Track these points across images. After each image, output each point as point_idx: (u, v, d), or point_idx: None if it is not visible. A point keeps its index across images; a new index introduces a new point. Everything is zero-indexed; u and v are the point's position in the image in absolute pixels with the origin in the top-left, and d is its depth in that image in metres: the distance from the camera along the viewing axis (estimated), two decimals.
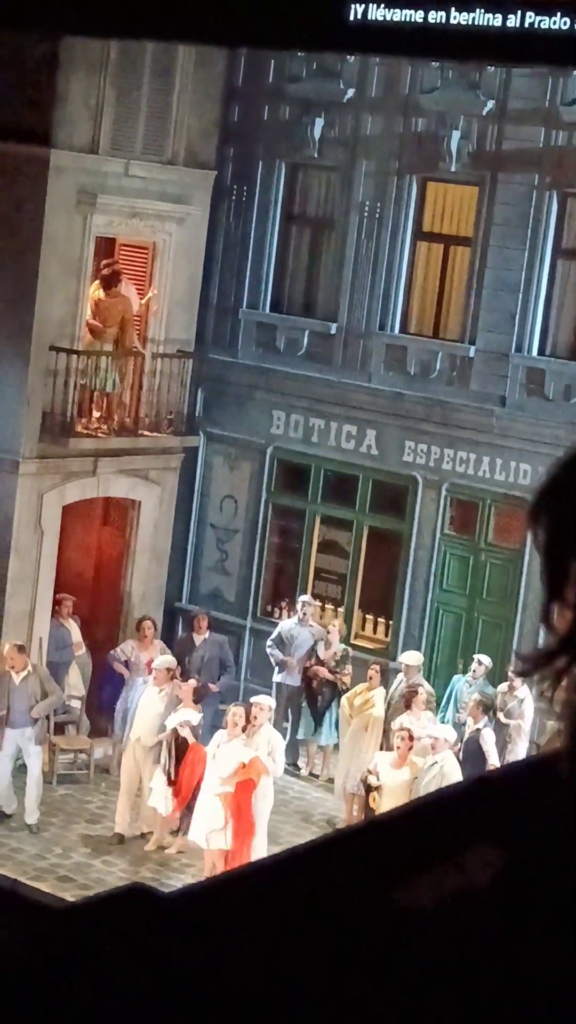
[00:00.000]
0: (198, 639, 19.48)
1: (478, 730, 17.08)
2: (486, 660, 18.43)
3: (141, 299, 20.94)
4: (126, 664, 19.03)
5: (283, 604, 21.67)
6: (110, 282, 20.30)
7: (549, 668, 1.24)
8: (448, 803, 1.32)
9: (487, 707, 17.52)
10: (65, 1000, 1.07)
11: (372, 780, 16.38)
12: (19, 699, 17.31)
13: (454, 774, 15.78)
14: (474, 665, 18.57)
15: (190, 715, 16.96)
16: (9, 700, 17.30)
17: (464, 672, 18.95)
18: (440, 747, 16.30)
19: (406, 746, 16.32)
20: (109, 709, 19.09)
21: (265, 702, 16.91)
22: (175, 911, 1.19)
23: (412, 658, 18.70)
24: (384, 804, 15.88)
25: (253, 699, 17.10)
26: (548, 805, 1.23)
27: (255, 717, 16.41)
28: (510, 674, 18.01)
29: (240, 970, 1.15)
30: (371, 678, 18.35)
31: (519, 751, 17.51)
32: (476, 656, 18.75)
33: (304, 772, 19.52)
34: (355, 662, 19.41)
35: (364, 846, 1.27)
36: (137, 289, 20.99)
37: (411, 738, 16.43)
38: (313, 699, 19.44)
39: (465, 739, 17.01)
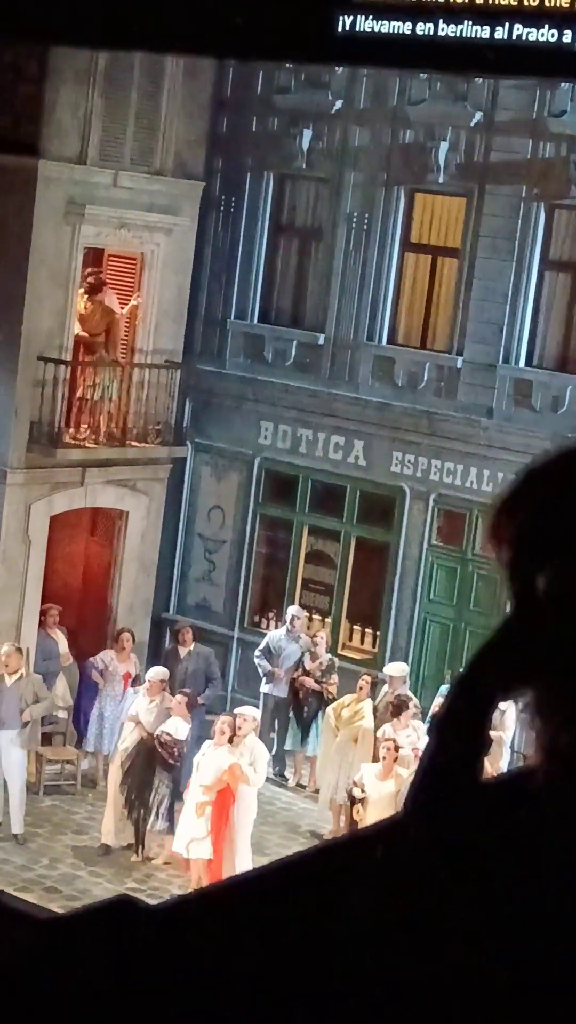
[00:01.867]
0: (183, 651, 19.47)
1: None
2: None
3: (123, 308, 20.94)
4: (102, 674, 19.03)
5: (271, 614, 21.67)
6: (94, 290, 20.33)
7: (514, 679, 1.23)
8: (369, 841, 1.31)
9: None
10: (52, 1012, 1.07)
11: (356, 792, 16.34)
12: (8, 701, 17.29)
13: None
14: None
15: (178, 725, 16.94)
16: None
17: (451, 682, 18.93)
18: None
19: (391, 757, 16.29)
20: (84, 718, 19.10)
21: (250, 713, 16.89)
22: (161, 923, 1.19)
23: (397, 669, 18.69)
24: (369, 816, 15.85)
25: (238, 710, 17.08)
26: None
27: (239, 728, 16.40)
28: None
29: (227, 982, 1.15)
30: (361, 689, 18.33)
31: (501, 763, 17.50)
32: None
33: (291, 783, 19.51)
34: (342, 673, 19.40)
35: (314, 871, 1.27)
36: (120, 301, 20.99)
37: (396, 749, 16.40)
38: (300, 709, 19.43)
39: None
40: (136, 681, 18.64)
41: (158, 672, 17.90)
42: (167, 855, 16.74)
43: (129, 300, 21.10)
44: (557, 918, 1.15)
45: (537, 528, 1.21)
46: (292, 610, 20.28)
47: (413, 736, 17.13)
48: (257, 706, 18.71)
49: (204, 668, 19.35)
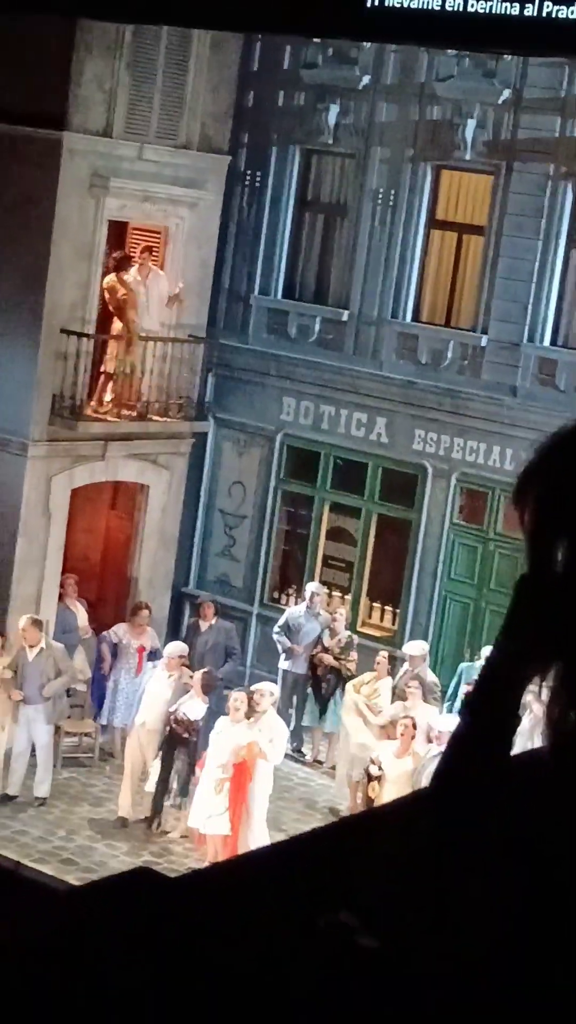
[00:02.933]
0: (204, 625, 19.47)
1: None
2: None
3: (167, 284, 20.85)
4: (115, 647, 18.88)
5: (290, 591, 21.68)
6: (120, 266, 20.32)
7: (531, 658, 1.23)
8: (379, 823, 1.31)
9: None
10: (73, 980, 1.07)
11: (373, 770, 16.37)
12: (31, 675, 17.35)
13: None
14: (483, 656, 18.56)
15: (195, 706, 16.96)
16: (21, 676, 17.35)
17: (472, 660, 18.94)
18: (442, 739, 16.25)
19: (409, 735, 16.31)
20: (99, 692, 19.11)
21: (267, 688, 16.91)
22: (179, 895, 1.19)
23: (416, 648, 18.69)
24: (385, 794, 15.87)
25: (255, 686, 17.10)
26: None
27: (257, 703, 16.41)
28: None
29: (243, 952, 1.15)
30: (378, 666, 18.34)
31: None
32: (487, 648, 18.75)
33: (309, 759, 19.53)
34: (361, 650, 19.40)
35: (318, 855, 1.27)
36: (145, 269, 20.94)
37: (414, 727, 16.41)
38: (318, 686, 19.45)
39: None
40: (154, 655, 18.64)
41: (176, 647, 17.92)
42: (183, 829, 16.79)
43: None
44: (562, 891, 1.15)
45: (560, 496, 1.20)
46: (311, 587, 20.28)
47: (432, 714, 17.15)
48: (276, 682, 18.74)
49: (224, 642, 19.36)
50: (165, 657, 17.72)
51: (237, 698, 16.46)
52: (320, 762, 19.49)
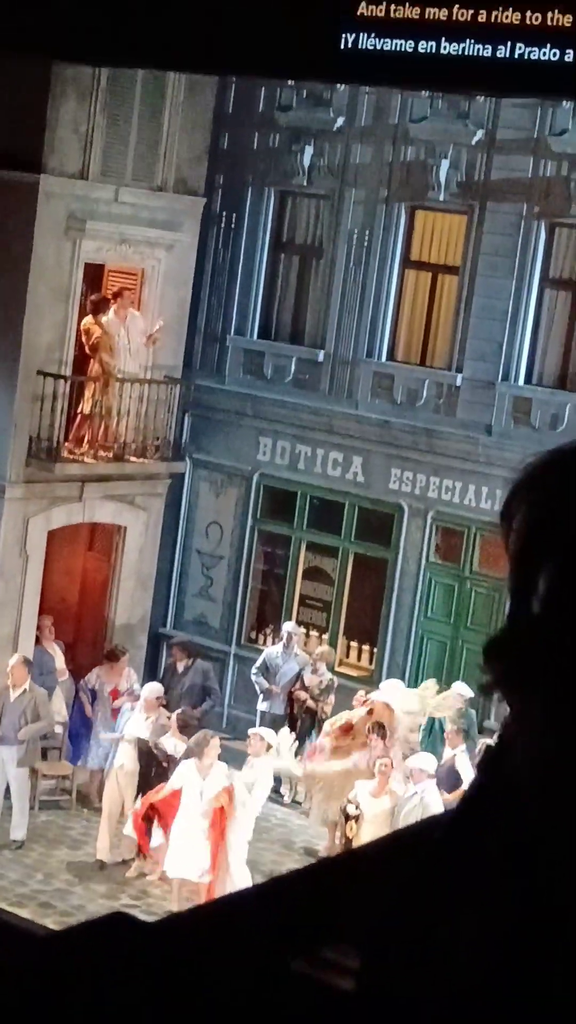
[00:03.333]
0: (180, 667, 19.47)
1: (454, 756, 17.01)
2: (466, 690, 18.39)
3: (145, 324, 20.89)
4: (93, 692, 18.96)
5: (268, 631, 21.66)
6: (97, 308, 20.34)
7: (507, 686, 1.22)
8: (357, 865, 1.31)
9: (467, 734, 17.48)
10: None
11: (351, 809, 16.31)
12: (10, 716, 17.30)
13: (435, 805, 15.71)
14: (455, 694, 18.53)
15: (174, 743, 16.91)
16: (1, 715, 17.31)
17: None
18: (418, 777, 16.21)
19: (385, 774, 16.27)
20: (75, 735, 19.07)
21: (264, 734, 16.87)
22: (156, 940, 1.19)
23: (391, 687, 18.72)
24: (364, 833, 15.82)
25: (253, 730, 17.12)
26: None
27: (249, 747, 16.45)
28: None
29: (221, 998, 1.15)
30: (355, 707, 18.32)
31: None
32: (455, 685, 18.74)
33: (287, 799, 19.47)
34: (339, 690, 19.37)
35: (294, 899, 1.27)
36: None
37: (391, 767, 16.38)
38: (293, 725, 19.40)
39: (441, 763, 16.93)
40: (130, 695, 18.61)
41: (153, 689, 17.87)
42: (161, 872, 16.70)
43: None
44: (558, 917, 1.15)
45: (547, 517, 1.20)
46: (288, 627, 20.27)
47: (406, 753, 17.10)
48: (254, 723, 18.69)
49: (202, 682, 19.33)
50: (142, 699, 17.68)
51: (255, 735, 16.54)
52: (298, 803, 19.42)
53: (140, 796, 16.75)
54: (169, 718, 17.29)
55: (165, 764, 16.73)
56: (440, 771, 16.69)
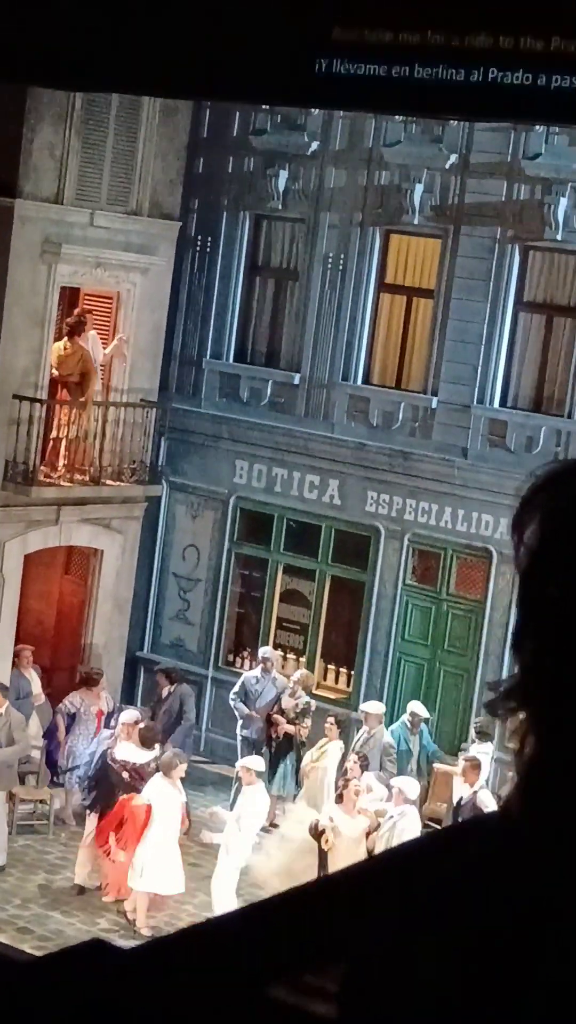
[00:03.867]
0: (164, 692, 19.50)
1: (475, 793, 16.49)
2: (420, 709, 18.48)
3: (105, 348, 20.95)
4: (73, 716, 18.96)
5: (245, 654, 21.63)
6: (74, 331, 20.33)
7: (513, 701, 1.22)
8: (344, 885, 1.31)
9: (480, 767, 17.12)
10: None
11: (324, 820, 16.09)
12: None
13: (410, 830, 15.59)
14: (407, 716, 18.52)
15: (131, 750, 16.91)
16: None
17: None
18: (398, 800, 16.13)
19: (352, 793, 16.16)
20: (53, 758, 19.03)
21: (252, 763, 16.82)
22: (135, 966, 1.19)
23: (373, 707, 18.68)
24: (339, 847, 15.72)
25: (242, 761, 17.10)
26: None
27: (242, 778, 16.49)
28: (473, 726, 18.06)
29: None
30: (328, 730, 18.31)
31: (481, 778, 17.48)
32: (410, 704, 18.79)
33: (265, 823, 19.38)
34: (316, 712, 19.34)
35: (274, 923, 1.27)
36: (101, 339, 21.01)
37: (355, 793, 16.24)
38: (270, 746, 19.36)
39: (462, 804, 16.58)
40: (109, 718, 18.58)
41: (131, 715, 17.82)
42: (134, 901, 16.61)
43: (109, 338, 21.10)
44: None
45: (557, 530, 1.19)
46: (264, 651, 20.25)
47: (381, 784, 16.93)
48: (232, 746, 18.66)
49: (178, 708, 19.31)
50: (120, 724, 17.62)
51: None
52: (276, 825, 19.35)
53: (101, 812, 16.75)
54: (132, 731, 17.24)
55: (128, 778, 16.71)
56: (462, 812, 16.36)
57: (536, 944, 1.14)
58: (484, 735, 17.82)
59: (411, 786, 16.42)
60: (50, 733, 19.14)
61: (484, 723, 17.90)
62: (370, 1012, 1.17)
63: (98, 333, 20.99)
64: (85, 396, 20.42)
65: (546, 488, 1.23)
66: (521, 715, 1.21)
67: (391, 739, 18.26)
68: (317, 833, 16.15)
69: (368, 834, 15.99)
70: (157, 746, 17.19)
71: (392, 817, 15.93)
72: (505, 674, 1.28)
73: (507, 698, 1.22)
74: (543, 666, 1.19)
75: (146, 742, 17.05)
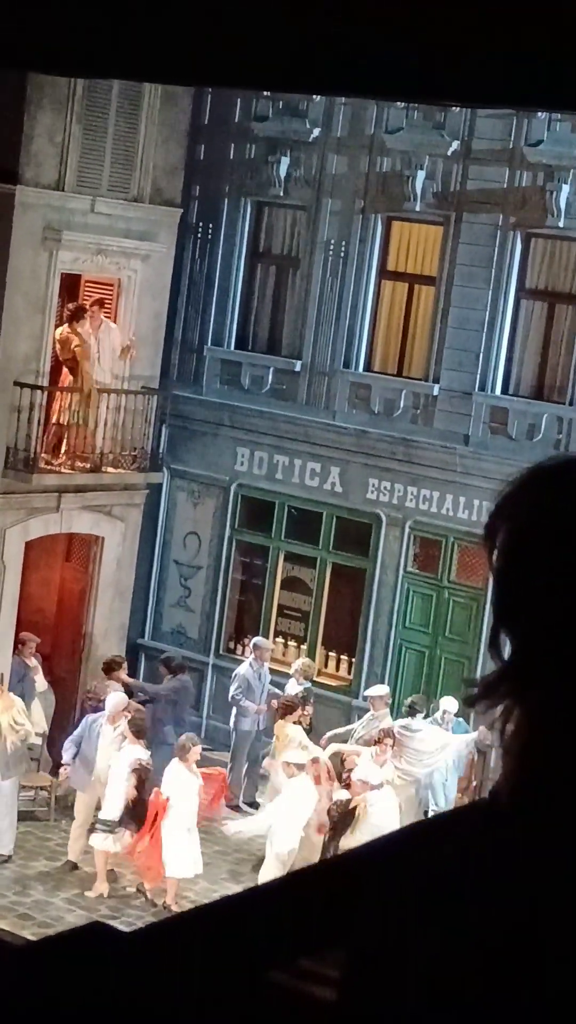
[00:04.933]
0: (164, 681, 19.53)
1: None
2: (452, 706, 18.24)
3: (119, 336, 20.86)
4: (97, 705, 18.96)
5: (246, 641, 21.63)
6: (73, 317, 20.32)
7: (492, 698, 1.23)
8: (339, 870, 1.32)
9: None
10: None
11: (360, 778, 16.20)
12: None
13: (379, 815, 15.69)
14: (439, 714, 18.32)
15: (139, 752, 16.93)
16: None
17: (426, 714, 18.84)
18: (360, 788, 16.20)
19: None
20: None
21: (292, 758, 16.78)
22: (134, 950, 1.19)
23: (378, 690, 18.71)
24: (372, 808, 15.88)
25: (283, 760, 17.10)
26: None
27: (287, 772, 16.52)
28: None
29: (198, 1009, 1.15)
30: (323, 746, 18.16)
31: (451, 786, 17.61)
32: (445, 698, 18.62)
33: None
34: (318, 699, 19.34)
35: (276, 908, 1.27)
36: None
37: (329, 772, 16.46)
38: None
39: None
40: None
41: (117, 699, 17.76)
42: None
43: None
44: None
45: (530, 536, 1.20)
46: (256, 641, 20.22)
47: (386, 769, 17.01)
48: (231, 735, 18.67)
49: (181, 698, 19.38)
50: (108, 711, 17.58)
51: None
52: None
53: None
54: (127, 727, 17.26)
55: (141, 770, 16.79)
56: None
57: (529, 929, 1.15)
58: (414, 711, 17.86)
59: (373, 773, 16.45)
60: (82, 722, 19.04)
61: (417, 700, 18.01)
62: (369, 997, 1.17)
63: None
64: (77, 382, 20.38)
65: (516, 495, 1.24)
66: (501, 708, 1.22)
67: (392, 722, 18.27)
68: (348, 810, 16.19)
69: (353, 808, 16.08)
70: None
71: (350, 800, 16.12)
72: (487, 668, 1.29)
73: (487, 693, 1.23)
74: (523, 663, 1.20)
75: (138, 734, 17.07)
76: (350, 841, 15.46)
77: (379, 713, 18.31)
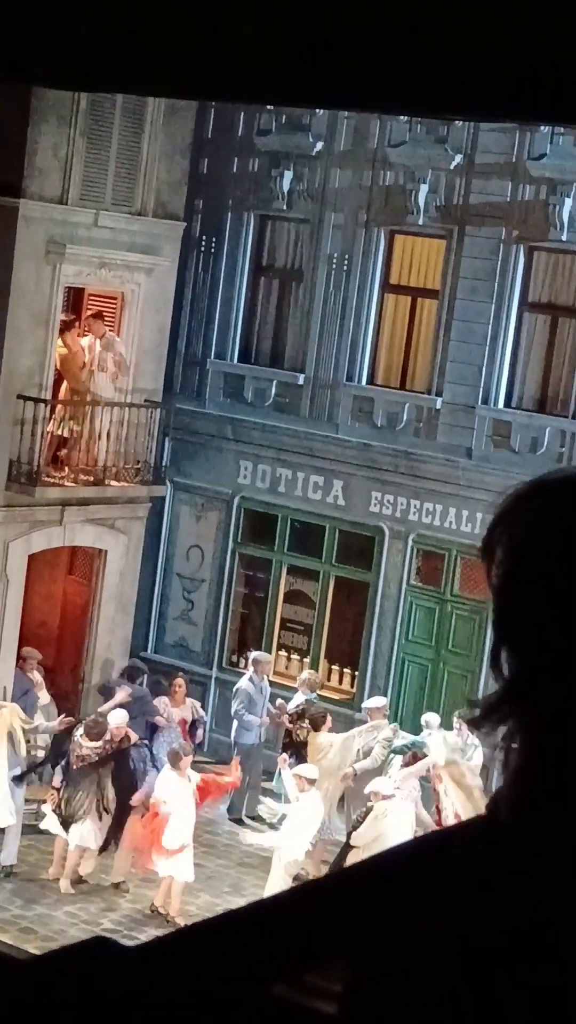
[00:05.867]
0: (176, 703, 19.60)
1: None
2: (434, 719, 18.35)
3: (122, 348, 20.92)
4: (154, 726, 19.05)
5: (249, 654, 21.62)
6: (63, 330, 20.44)
7: (495, 719, 1.23)
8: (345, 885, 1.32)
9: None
10: None
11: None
12: None
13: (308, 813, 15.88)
14: (456, 723, 18.30)
15: (119, 716, 17.04)
16: None
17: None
18: (299, 784, 16.50)
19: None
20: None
21: (304, 772, 16.87)
22: (137, 964, 1.19)
23: (376, 702, 18.74)
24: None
25: (296, 772, 17.13)
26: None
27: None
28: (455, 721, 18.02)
29: (197, 1022, 1.15)
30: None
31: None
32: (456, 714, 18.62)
33: (273, 821, 19.38)
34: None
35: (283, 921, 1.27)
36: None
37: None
38: (286, 749, 19.36)
39: None
40: (194, 727, 18.80)
41: (119, 716, 17.77)
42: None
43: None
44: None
45: (528, 551, 1.20)
46: (256, 655, 20.20)
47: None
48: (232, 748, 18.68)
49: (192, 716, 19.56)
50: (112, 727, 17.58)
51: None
52: (273, 825, 19.30)
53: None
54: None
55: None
56: None
57: (531, 942, 1.15)
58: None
59: (311, 771, 16.59)
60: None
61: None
62: (372, 1010, 1.17)
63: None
64: (75, 394, 20.48)
65: (514, 509, 1.24)
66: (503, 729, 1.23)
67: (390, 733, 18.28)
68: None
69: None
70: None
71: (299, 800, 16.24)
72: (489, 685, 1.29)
73: (489, 714, 1.23)
74: (523, 682, 1.20)
75: (92, 734, 17.23)
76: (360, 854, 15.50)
77: (378, 724, 18.31)
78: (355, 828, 16.26)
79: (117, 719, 17.32)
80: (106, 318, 21.13)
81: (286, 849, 16.14)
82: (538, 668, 1.19)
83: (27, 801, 18.60)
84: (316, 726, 18.28)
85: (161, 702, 19.24)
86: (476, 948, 1.15)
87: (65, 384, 20.69)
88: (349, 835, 16.38)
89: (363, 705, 19.19)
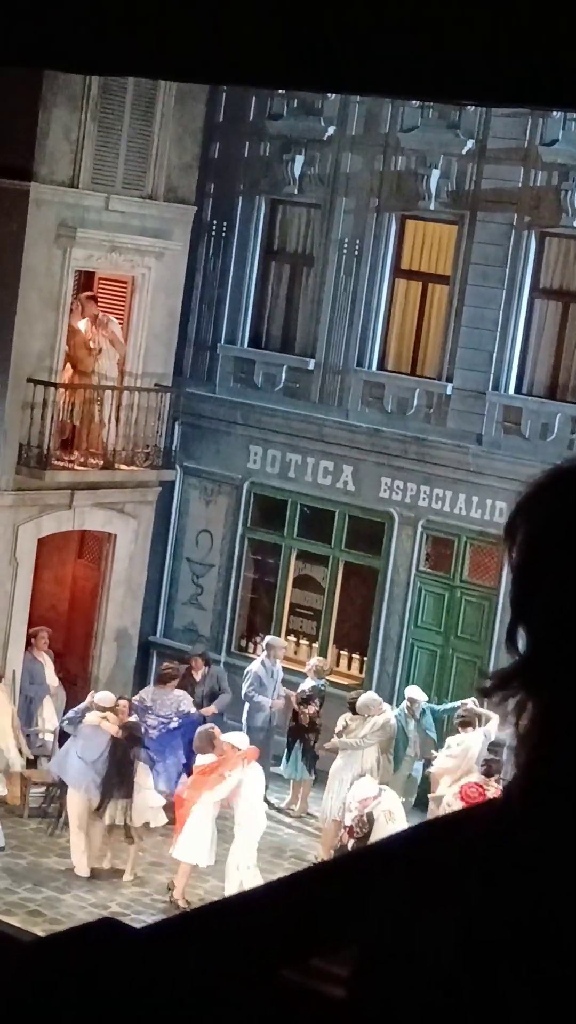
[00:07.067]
0: (197, 676, 19.57)
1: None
2: (420, 695, 18.48)
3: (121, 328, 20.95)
4: (146, 711, 19.08)
5: (258, 639, 21.63)
6: (83, 312, 20.47)
7: (507, 690, 1.23)
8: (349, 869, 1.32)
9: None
10: None
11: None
12: None
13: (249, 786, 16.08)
14: (406, 702, 18.49)
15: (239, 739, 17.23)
16: None
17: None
18: (237, 759, 16.53)
19: None
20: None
21: (236, 741, 16.92)
22: (144, 946, 1.19)
23: (415, 692, 18.73)
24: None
25: (224, 738, 17.15)
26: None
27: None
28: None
29: (209, 1006, 1.15)
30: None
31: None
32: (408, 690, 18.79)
33: (280, 806, 19.42)
34: (329, 697, 19.34)
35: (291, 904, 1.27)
36: (119, 322, 21.02)
37: None
38: (292, 734, 19.39)
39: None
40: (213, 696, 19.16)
41: (107, 697, 17.75)
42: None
43: (123, 321, 21.10)
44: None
45: (549, 534, 1.21)
46: (269, 639, 20.21)
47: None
48: (242, 730, 18.69)
49: (216, 685, 19.57)
50: (95, 710, 17.53)
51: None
52: (281, 810, 19.34)
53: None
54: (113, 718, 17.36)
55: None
56: None
57: (540, 928, 1.15)
58: (467, 724, 17.82)
59: (242, 740, 16.75)
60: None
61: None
62: (380, 995, 1.17)
63: (115, 317, 21.00)
64: (73, 377, 20.54)
65: (535, 495, 1.25)
66: (514, 702, 1.23)
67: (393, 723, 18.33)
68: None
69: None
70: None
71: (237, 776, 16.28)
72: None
73: (503, 684, 1.23)
74: (538, 658, 1.21)
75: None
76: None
77: (416, 710, 18.44)
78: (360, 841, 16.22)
79: (237, 741, 17.17)
80: (110, 301, 21.13)
81: (246, 821, 16.30)
82: (552, 645, 1.19)
83: (36, 784, 18.66)
84: (351, 707, 18.25)
85: (148, 691, 19.16)
86: (478, 941, 1.15)
87: (69, 367, 20.68)
88: (351, 830, 16.37)
89: (406, 692, 19.00)
